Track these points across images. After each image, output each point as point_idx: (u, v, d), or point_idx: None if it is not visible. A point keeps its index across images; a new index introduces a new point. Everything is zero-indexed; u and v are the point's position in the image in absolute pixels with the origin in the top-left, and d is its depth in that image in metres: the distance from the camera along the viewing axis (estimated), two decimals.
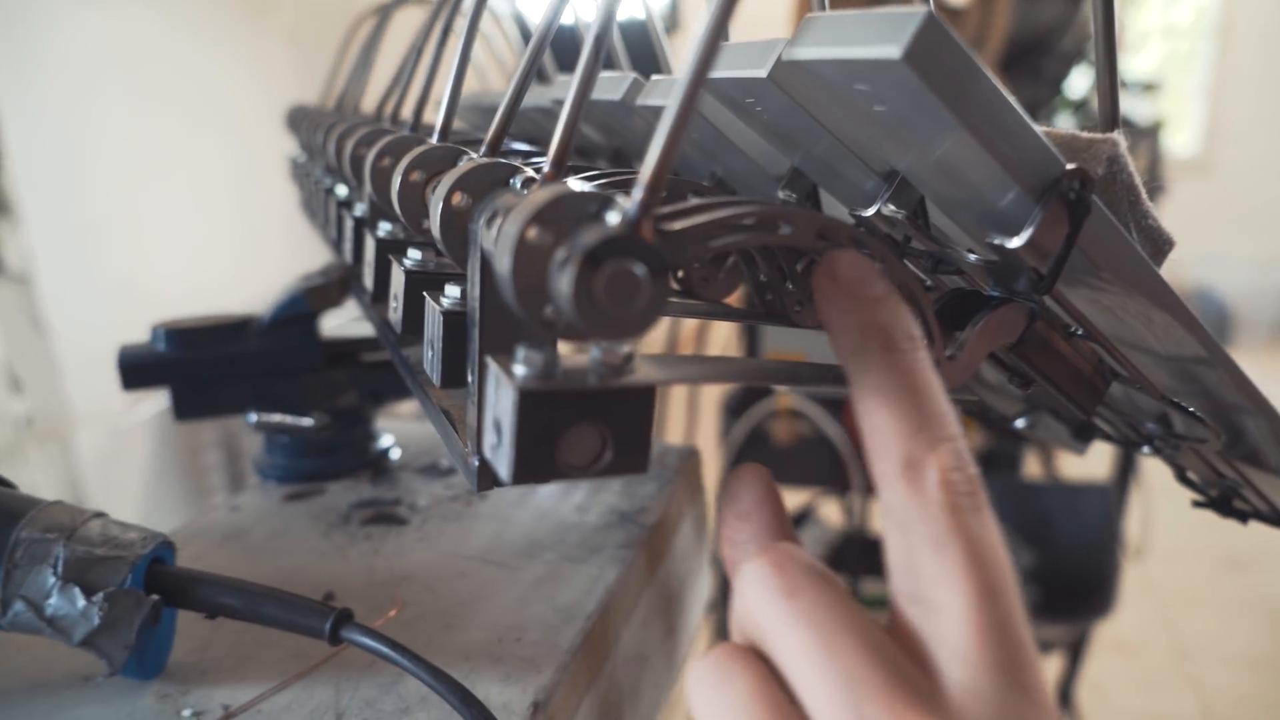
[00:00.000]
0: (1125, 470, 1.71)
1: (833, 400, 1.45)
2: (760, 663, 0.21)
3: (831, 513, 1.57)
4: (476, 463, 0.25)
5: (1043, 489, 1.30)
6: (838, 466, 1.40)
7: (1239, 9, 5.17)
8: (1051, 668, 1.56)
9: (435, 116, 0.36)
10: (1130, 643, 2.29)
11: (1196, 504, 0.40)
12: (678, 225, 0.21)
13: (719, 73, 0.30)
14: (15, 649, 0.36)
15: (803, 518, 1.53)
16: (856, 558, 1.44)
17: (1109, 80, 0.28)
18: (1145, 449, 0.41)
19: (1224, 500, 0.39)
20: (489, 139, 0.30)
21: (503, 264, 0.20)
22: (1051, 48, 3.41)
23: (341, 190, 0.53)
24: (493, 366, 0.22)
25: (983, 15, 2.93)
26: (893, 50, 0.20)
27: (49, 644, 0.35)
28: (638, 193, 0.19)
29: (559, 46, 0.42)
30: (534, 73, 0.31)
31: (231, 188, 1.56)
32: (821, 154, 0.32)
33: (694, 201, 0.22)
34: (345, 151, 0.44)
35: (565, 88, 0.42)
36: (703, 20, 0.19)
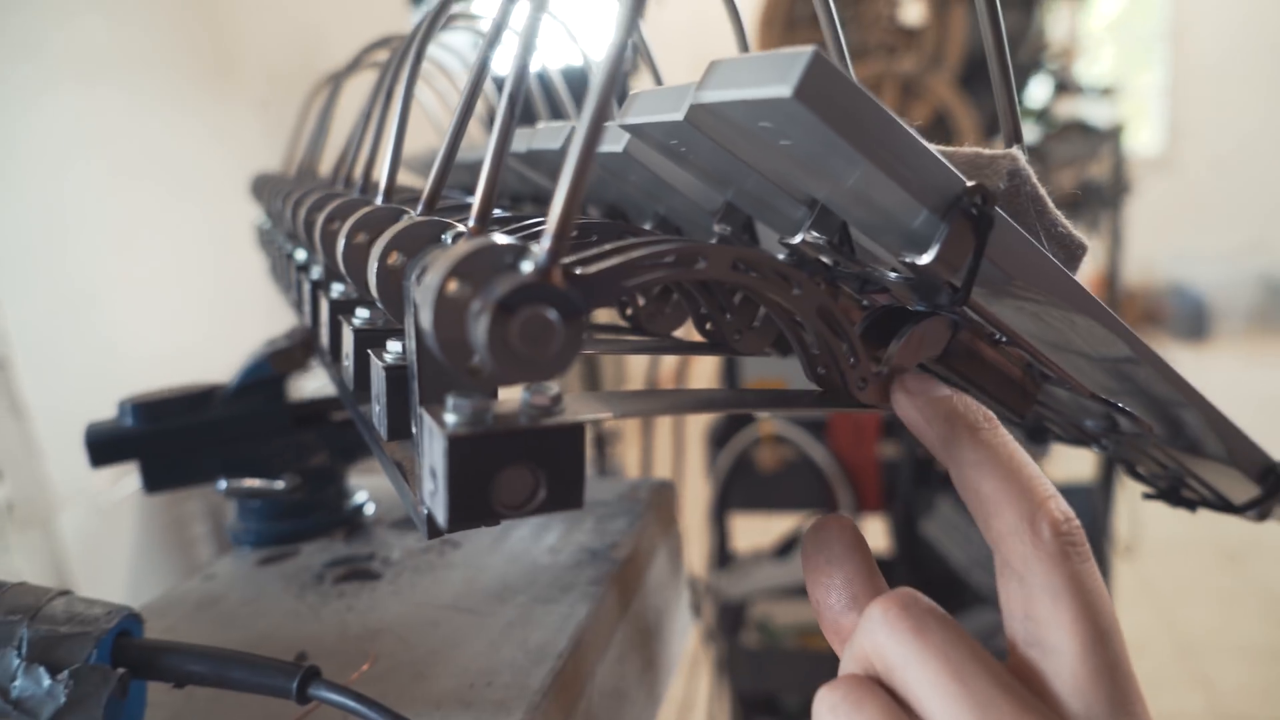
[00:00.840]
0: (1109, 470, 1.72)
1: (816, 424, 1.46)
2: (887, 693, 0.23)
3: None
4: (425, 512, 0.26)
5: None
6: (824, 489, 1.41)
7: (1191, 8, 5.30)
8: None
9: (396, 177, 0.37)
10: (1133, 642, 2.27)
11: (1146, 496, 0.41)
12: (591, 269, 0.21)
13: (642, 119, 0.31)
14: None
15: (792, 543, 1.53)
16: None
17: (1006, 96, 0.29)
18: (1095, 447, 0.42)
19: (1173, 491, 0.40)
20: (425, 196, 0.31)
21: (425, 317, 0.21)
22: (1009, 59, 3.48)
23: (301, 255, 0.54)
24: (425, 416, 0.23)
25: (939, 32, 2.99)
26: (784, 89, 0.21)
27: None
28: (545, 241, 0.20)
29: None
30: (463, 130, 0.32)
31: (207, 257, 1.57)
32: (750, 189, 0.33)
33: (609, 246, 0.23)
34: (299, 217, 0.45)
35: (542, 136, 0.43)
36: (595, 76, 0.20)
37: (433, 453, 0.22)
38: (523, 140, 0.49)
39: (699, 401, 0.27)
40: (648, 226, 0.42)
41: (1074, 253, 0.30)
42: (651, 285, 0.23)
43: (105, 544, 1.28)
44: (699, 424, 1.91)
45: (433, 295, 0.20)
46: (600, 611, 0.42)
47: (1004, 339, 0.31)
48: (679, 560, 0.55)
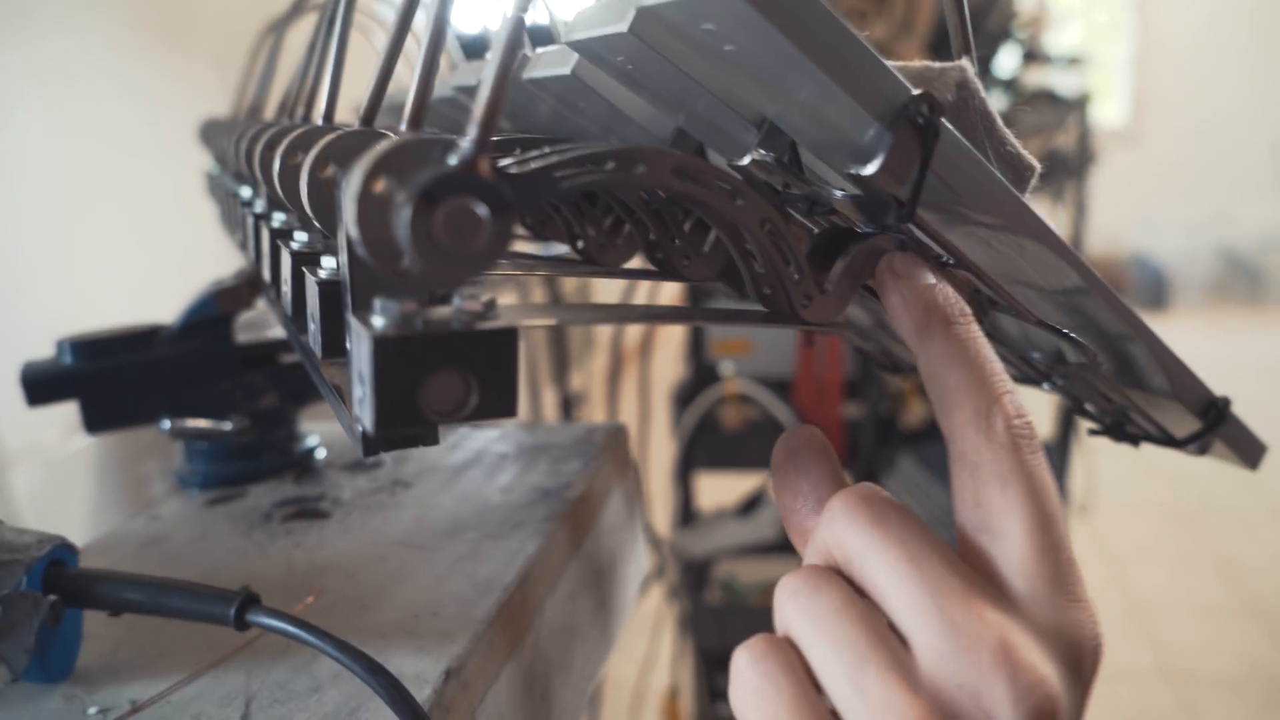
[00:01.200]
0: (1066, 430, 1.75)
1: (780, 383, 1.47)
2: (846, 581, 0.24)
3: None
4: (360, 429, 0.25)
5: None
6: None
7: None
8: None
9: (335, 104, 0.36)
10: None
11: (1092, 432, 0.42)
12: (528, 167, 0.21)
13: (587, 33, 0.30)
14: None
15: (755, 501, 1.54)
16: None
17: (958, 12, 0.29)
18: (1045, 385, 0.42)
19: (1117, 426, 0.41)
20: (362, 113, 0.31)
21: (349, 215, 0.20)
22: (978, 28, 3.49)
23: (246, 191, 0.53)
24: (353, 321, 0.22)
25: (908, 0, 2.98)
26: None
27: None
28: (471, 130, 0.19)
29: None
30: (398, 51, 0.31)
31: (165, 215, 1.53)
32: (702, 112, 0.33)
33: (547, 149, 0.22)
34: (241, 150, 0.44)
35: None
36: None
37: (360, 357, 0.22)
38: (472, 74, 0.48)
39: (643, 314, 0.27)
40: None
41: (1022, 174, 0.29)
42: (590, 187, 0.22)
43: (59, 499, 1.26)
44: (664, 384, 1.91)
45: (356, 190, 0.20)
46: (550, 548, 0.42)
47: (951, 262, 0.31)
48: (635, 504, 0.55)
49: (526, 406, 2.57)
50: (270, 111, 0.67)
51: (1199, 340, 4.56)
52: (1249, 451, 0.41)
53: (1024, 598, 0.23)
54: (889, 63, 0.25)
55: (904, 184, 0.25)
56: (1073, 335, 0.34)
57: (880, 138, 0.25)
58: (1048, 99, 3.92)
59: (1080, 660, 0.23)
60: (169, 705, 0.31)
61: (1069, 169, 4.29)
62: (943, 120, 0.25)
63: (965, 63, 0.27)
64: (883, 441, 1.39)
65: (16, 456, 1.21)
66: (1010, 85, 3.85)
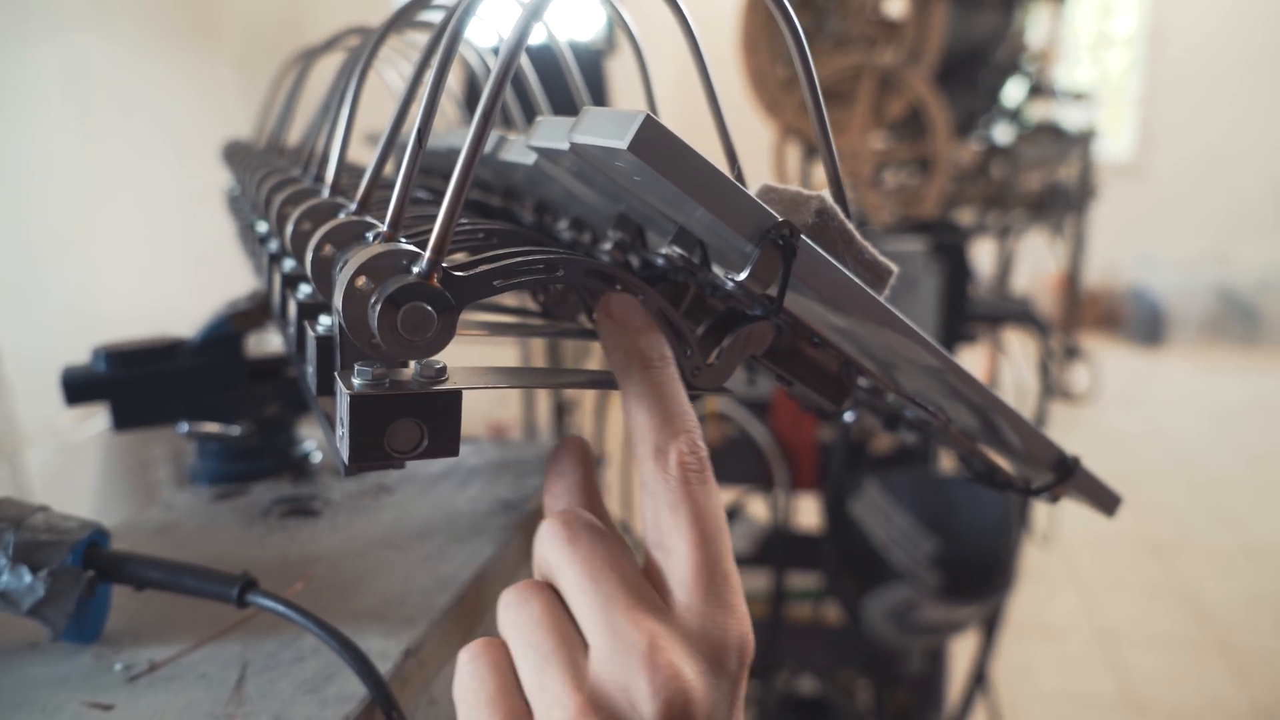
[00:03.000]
0: None
1: (759, 404, 1.54)
2: (551, 592, 0.29)
3: (758, 509, 1.65)
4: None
5: (947, 481, 1.40)
6: (762, 465, 1.49)
7: (1168, 17, 5.37)
8: (968, 647, 1.66)
9: (363, 153, 0.43)
10: (1054, 627, 2.41)
11: (967, 478, 0.49)
12: (466, 274, 0.28)
13: (540, 143, 0.38)
14: None
15: (731, 515, 1.61)
16: (782, 552, 1.53)
17: (827, 149, 0.36)
18: (919, 435, 0.49)
19: (988, 474, 0.48)
20: (359, 196, 0.38)
21: (338, 302, 0.27)
22: (986, 59, 3.51)
23: (262, 227, 0.60)
24: (338, 380, 0.29)
25: (919, 28, 3.03)
26: (621, 143, 0.28)
27: (0, 619, 0.42)
28: (428, 253, 0.27)
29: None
30: (394, 139, 0.38)
31: (179, 209, 1.60)
32: (636, 205, 0.40)
33: (489, 254, 0.30)
34: (261, 195, 0.51)
35: (457, 137, 0.49)
36: (468, 135, 0.27)
37: (341, 406, 0.29)
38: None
39: (564, 379, 0.34)
40: (564, 223, 0.49)
41: (880, 275, 0.37)
42: (520, 287, 0.30)
43: (69, 480, 1.34)
44: None
45: (344, 285, 0.27)
46: (505, 552, 0.49)
47: (819, 341, 0.38)
48: None
49: (521, 412, 2.64)
50: (295, 133, 0.75)
51: (1191, 376, 4.62)
52: (1104, 501, 0.48)
53: (681, 605, 0.27)
54: (767, 188, 0.32)
55: (770, 286, 0.33)
56: (919, 401, 0.41)
57: (751, 253, 0.32)
58: (1050, 132, 3.96)
59: (724, 657, 0.27)
60: (180, 666, 0.38)
61: (1069, 202, 4.32)
62: (802, 238, 0.32)
63: (825, 194, 0.34)
64: (852, 465, 1.46)
65: (32, 436, 1.28)
66: (1015, 117, 3.88)
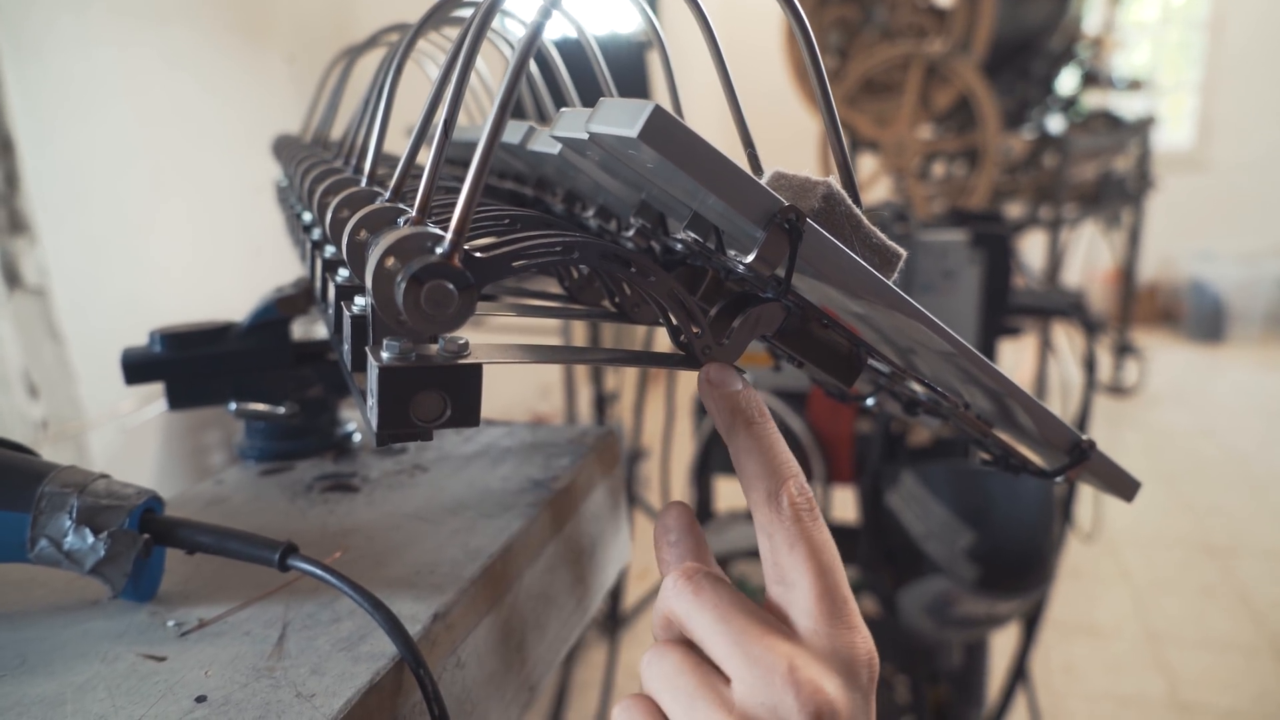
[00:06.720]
0: None
1: (798, 396, 1.55)
2: (685, 644, 0.32)
3: None
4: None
5: (986, 474, 1.39)
6: (801, 457, 1.50)
7: (1229, 2, 5.21)
8: (1010, 642, 1.65)
9: (400, 143, 0.45)
10: (1103, 627, 2.37)
11: (984, 463, 0.50)
12: (485, 255, 0.30)
13: (562, 133, 0.40)
14: (38, 583, 0.46)
15: None
16: None
17: (835, 135, 0.37)
18: (934, 420, 0.50)
19: (1004, 458, 0.49)
20: (393, 185, 0.40)
21: (369, 281, 0.29)
22: (1040, 48, 3.42)
23: (307, 216, 0.63)
24: (369, 354, 0.32)
25: (969, 16, 2.97)
26: (631, 131, 0.29)
27: (65, 577, 0.45)
28: (449, 235, 0.29)
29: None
30: (425, 130, 0.40)
31: (232, 205, 1.65)
32: (655, 193, 0.41)
33: (510, 237, 0.32)
34: (305, 186, 0.54)
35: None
36: (486, 121, 0.29)
37: (372, 378, 0.31)
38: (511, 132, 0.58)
39: (582, 356, 0.36)
40: (591, 212, 0.51)
41: (888, 259, 0.38)
42: (538, 268, 0.32)
43: (129, 462, 1.40)
44: (688, 390, 2.01)
45: (374, 266, 0.29)
46: (532, 527, 0.51)
47: (829, 323, 0.39)
48: (619, 498, 0.64)
49: (563, 403, 2.67)
50: (339, 128, 0.78)
51: (1252, 373, 4.48)
52: (1122, 486, 0.49)
53: (809, 631, 0.30)
54: (778, 174, 0.34)
55: (777, 268, 0.34)
56: (932, 385, 0.42)
57: (758, 236, 0.33)
58: (1106, 121, 3.84)
59: (856, 672, 0.30)
60: (226, 624, 0.41)
61: (1125, 193, 4.18)
62: (809, 222, 0.33)
63: (831, 179, 0.35)
64: (890, 457, 1.46)
65: (95, 420, 1.34)
66: (1069, 106, 3.77)
